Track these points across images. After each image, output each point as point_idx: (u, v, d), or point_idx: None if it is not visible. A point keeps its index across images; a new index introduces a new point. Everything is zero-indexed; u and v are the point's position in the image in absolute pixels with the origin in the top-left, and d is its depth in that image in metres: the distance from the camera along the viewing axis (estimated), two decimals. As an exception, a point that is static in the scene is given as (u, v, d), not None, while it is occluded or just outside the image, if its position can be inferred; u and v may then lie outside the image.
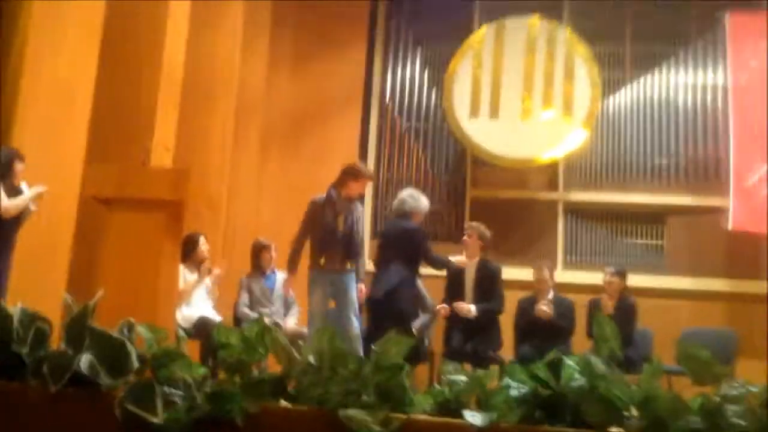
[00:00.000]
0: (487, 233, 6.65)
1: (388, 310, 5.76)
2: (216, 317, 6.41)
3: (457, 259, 6.33)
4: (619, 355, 2.84)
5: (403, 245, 5.98)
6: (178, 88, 5.68)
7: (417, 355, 5.83)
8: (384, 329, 5.56)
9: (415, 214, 6.14)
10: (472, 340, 6.44)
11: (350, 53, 9.04)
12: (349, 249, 5.89)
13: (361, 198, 6.54)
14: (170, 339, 2.98)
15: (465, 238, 6.65)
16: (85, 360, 2.62)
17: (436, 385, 2.88)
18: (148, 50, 5.49)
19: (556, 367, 2.85)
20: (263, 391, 2.68)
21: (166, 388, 2.59)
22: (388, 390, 2.76)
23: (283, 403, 2.75)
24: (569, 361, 2.84)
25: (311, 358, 2.73)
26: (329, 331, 2.82)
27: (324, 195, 5.95)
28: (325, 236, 5.82)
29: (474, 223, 6.89)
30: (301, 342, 6.04)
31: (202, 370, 2.71)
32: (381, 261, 6.13)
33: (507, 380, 2.83)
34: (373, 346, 2.88)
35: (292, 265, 5.94)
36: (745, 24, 8.32)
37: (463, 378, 2.86)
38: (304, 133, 8.85)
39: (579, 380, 2.74)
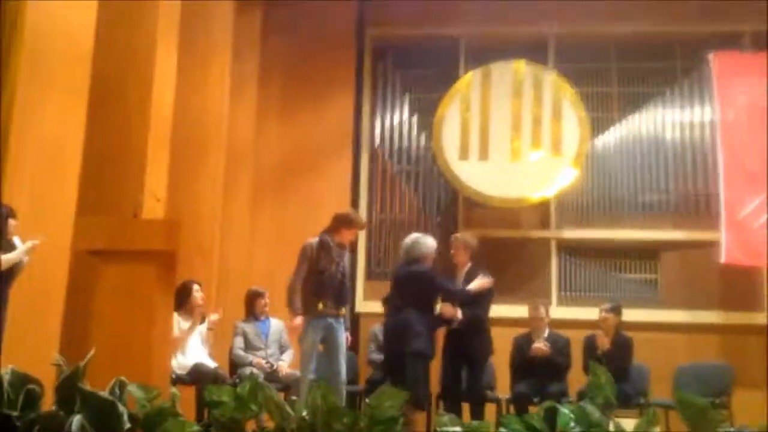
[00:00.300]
0: (473, 241, 6.57)
1: (407, 354, 5.72)
2: (212, 363, 6.38)
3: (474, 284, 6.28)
4: (614, 403, 2.82)
5: (418, 289, 5.99)
6: (167, 138, 5.69)
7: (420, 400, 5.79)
8: (403, 373, 5.58)
9: (427, 257, 6.15)
10: (467, 368, 6.30)
11: (338, 100, 9.08)
12: (343, 295, 6.00)
13: (353, 245, 6.53)
14: (164, 396, 2.94)
15: (452, 251, 6.56)
16: (76, 422, 2.59)
17: (432, 437, 2.85)
18: (137, 101, 5.51)
19: (551, 415, 2.83)
20: (257, 448, 2.64)
21: (158, 449, 2.56)
22: (384, 443, 2.73)
23: (277, 460, 2.71)
24: (564, 410, 2.81)
25: (305, 414, 2.70)
26: (322, 386, 2.80)
27: (317, 239, 5.99)
28: (323, 281, 5.87)
29: (458, 234, 6.85)
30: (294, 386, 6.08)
31: (195, 429, 2.68)
32: (394, 306, 6.11)
33: (502, 430, 2.81)
34: (367, 400, 2.85)
35: (296, 307, 5.90)
36: (730, 62, 8.42)
37: (458, 429, 2.83)
38: (294, 180, 8.85)
39: (574, 429, 2.71)
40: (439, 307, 6.22)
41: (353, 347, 7.12)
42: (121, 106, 5.47)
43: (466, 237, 6.70)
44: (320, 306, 5.85)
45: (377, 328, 7.20)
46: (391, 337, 6.00)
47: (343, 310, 5.99)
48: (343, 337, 5.96)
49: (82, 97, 5.29)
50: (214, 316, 6.47)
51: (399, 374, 5.66)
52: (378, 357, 6.89)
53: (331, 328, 5.90)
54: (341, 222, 6.06)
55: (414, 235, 6.27)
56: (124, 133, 5.41)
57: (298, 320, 5.84)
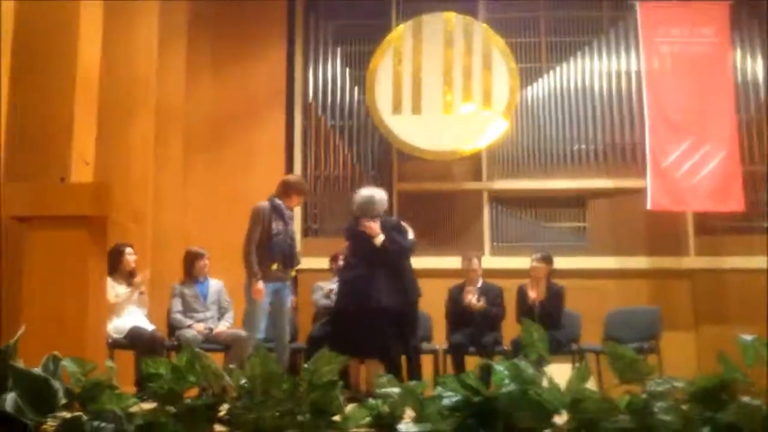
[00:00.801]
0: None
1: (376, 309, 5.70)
2: (148, 326, 6.30)
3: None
4: (547, 359, 2.87)
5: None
6: (94, 98, 5.49)
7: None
8: (368, 329, 5.54)
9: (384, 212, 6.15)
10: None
11: (270, 54, 8.91)
12: (294, 257, 6.11)
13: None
14: (100, 369, 2.89)
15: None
16: (10, 399, 2.54)
17: (371, 399, 2.87)
18: (61, 62, 5.29)
19: (486, 373, 2.87)
20: (196, 418, 2.62)
21: (95, 423, 2.52)
22: (324, 407, 2.74)
23: (218, 429, 2.70)
24: (499, 367, 2.85)
25: (243, 381, 2.69)
26: (261, 353, 2.78)
27: (268, 203, 6.05)
28: (275, 245, 5.94)
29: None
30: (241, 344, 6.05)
31: (132, 401, 2.64)
32: (352, 263, 6.01)
33: (439, 389, 2.84)
34: (306, 365, 2.85)
35: (254, 272, 5.89)
36: (656, 11, 8.50)
37: (396, 390, 2.85)
38: (227, 137, 8.69)
39: (509, 386, 2.75)
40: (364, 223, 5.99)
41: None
42: (44, 67, 5.25)
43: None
44: (273, 268, 5.92)
45: (321, 283, 7.17)
46: (354, 294, 5.88)
47: (293, 273, 6.11)
48: (290, 299, 6.05)
49: (2, 60, 5.07)
50: (139, 278, 6.35)
51: (362, 330, 5.62)
52: (326, 302, 6.87)
53: (278, 291, 5.99)
54: (292, 188, 6.16)
55: (368, 191, 6.20)
56: (48, 95, 5.20)
57: (260, 284, 5.86)
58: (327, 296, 6.94)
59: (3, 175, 5.07)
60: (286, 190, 6.16)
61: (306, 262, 7.29)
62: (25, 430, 2.51)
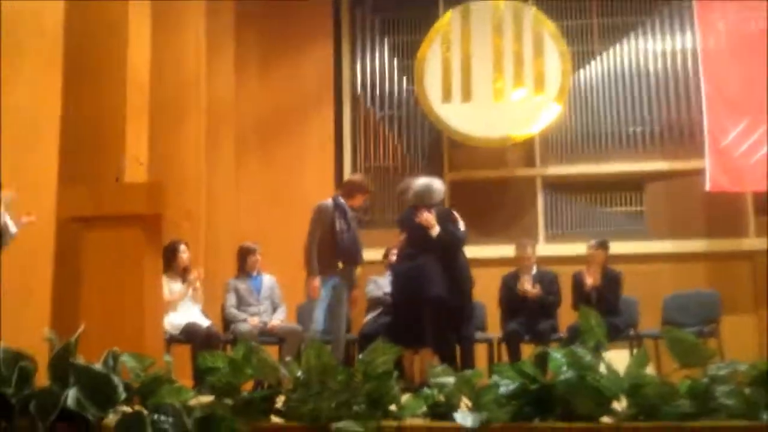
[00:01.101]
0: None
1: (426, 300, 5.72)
2: (204, 321, 6.41)
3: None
4: (605, 345, 2.84)
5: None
6: (146, 99, 5.60)
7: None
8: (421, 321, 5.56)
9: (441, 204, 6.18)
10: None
11: (317, 50, 8.94)
12: (358, 255, 6.18)
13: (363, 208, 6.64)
14: (158, 364, 2.95)
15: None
16: (71, 396, 2.61)
17: (426, 389, 2.87)
18: (111, 63, 5.40)
19: (542, 361, 2.86)
20: (253, 410, 2.66)
21: (155, 416, 2.58)
22: (379, 398, 2.75)
23: (275, 420, 2.73)
24: (556, 354, 2.84)
25: (299, 374, 2.72)
26: (316, 345, 2.81)
27: (331, 202, 6.14)
28: (341, 243, 6.01)
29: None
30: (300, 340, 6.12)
31: (191, 395, 2.69)
32: (408, 254, 6.02)
33: (495, 378, 2.83)
34: (360, 356, 2.87)
35: (313, 269, 5.99)
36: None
37: (451, 379, 2.85)
38: (277, 135, 8.75)
39: (566, 373, 2.73)
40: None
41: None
42: (95, 69, 5.37)
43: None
44: (340, 265, 6.01)
45: (375, 276, 7.19)
46: (409, 285, 5.84)
47: (359, 270, 6.20)
48: (347, 295, 6.11)
49: (55, 66, 5.18)
50: (193, 275, 6.45)
51: (417, 321, 5.63)
52: (379, 294, 6.91)
53: (337, 286, 6.03)
54: (356, 188, 6.24)
55: (425, 179, 6.19)
56: (100, 96, 5.32)
57: (317, 281, 5.93)
58: (380, 289, 6.97)
59: (59, 178, 5.19)
60: (350, 190, 6.24)
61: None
62: (87, 425, 2.58)
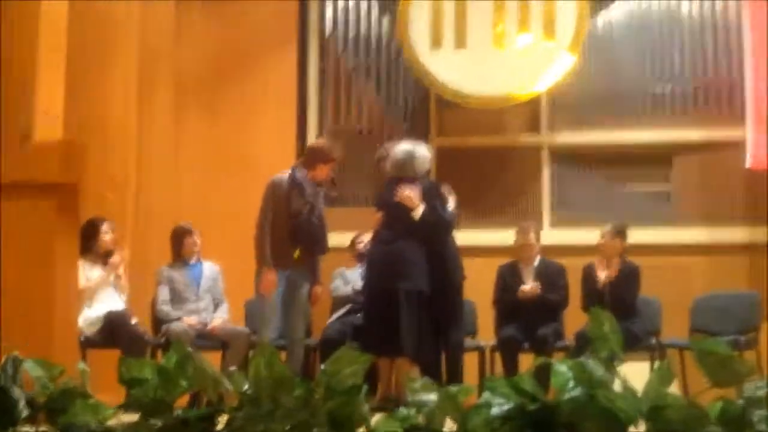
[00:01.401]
0: None
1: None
2: (129, 317, 6.37)
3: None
4: (620, 356, 2.86)
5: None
6: (63, 39, 5.52)
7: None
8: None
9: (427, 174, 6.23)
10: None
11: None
12: (320, 242, 6.16)
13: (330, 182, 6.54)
14: (70, 373, 2.93)
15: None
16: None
17: (402, 408, 2.88)
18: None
19: (544, 374, 2.87)
20: (188, 433, 2.66)
21: (67, 438, 2.56)
22: (344, 419, 2.76)
23: (215, 445, 2.73)
24: (561, 367, 2.84)
25: (246, 388, 2.71)
26: (267, 352, 2.81)
27: (286, 176, 6.09)
28: (296, 227, 5.98)
29: None
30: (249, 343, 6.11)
31: (111, 412, 2.68)
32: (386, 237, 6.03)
33: (487, 395, 2.84)
34: (323, 366, 2.87)
35: (266, 259, 5.99)
36: None
37: (433, 396, 2.86)
38: (227, 85, 8.67)
39: (573, 390, 2.75)
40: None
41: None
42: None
43: None
44: (296, 254, 5.99)
45: (341, 269, 7.19)
46: (384, 275, 5.91)
47: (319, 261, 6.21)
48: (306, 289, 6.13)
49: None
50: (116, 258, 6.41)
51: (393, 322, 5.63)
52: (346, 291, 6.91)
53: (292, 279, 6.06)
54: (319, 156, 6.21)
55: (407, 145, 6.20)
56: (7, 37, 5.23)
57: (272, 274, 5.95)
58: (348, 284, 6.95)
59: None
60: (311, 158, 6.22)
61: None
62: (-22, 449, 2.55)
